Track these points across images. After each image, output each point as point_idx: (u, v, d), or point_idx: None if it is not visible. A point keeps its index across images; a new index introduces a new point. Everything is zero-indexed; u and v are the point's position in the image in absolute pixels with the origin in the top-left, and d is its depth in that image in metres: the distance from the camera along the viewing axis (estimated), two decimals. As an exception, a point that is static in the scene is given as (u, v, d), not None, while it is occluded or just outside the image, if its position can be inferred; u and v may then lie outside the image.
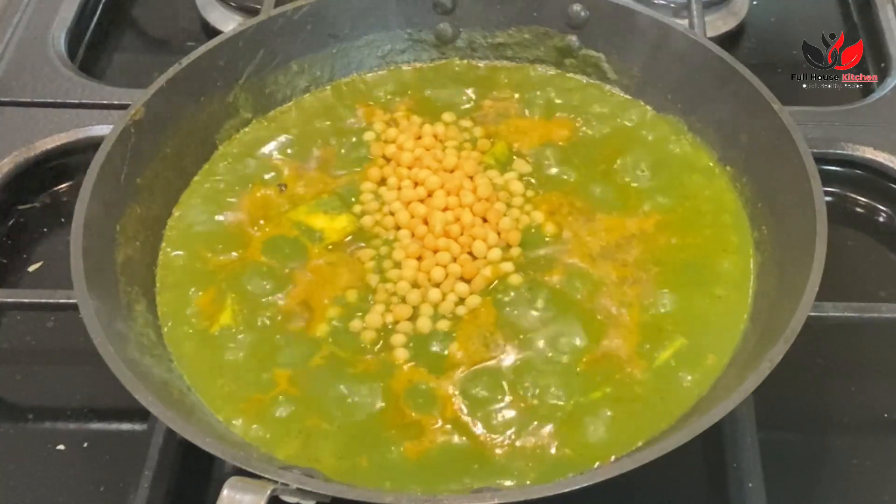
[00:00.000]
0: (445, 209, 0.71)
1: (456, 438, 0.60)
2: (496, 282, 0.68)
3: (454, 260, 0.69)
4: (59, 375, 0.72)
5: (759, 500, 0.62)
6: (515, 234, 0.70)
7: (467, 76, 0.83)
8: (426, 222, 0.71)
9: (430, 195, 0.73)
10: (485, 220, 0.71)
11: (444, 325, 0.66)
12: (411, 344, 0.65)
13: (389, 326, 0.66)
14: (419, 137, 0.77)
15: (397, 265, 0.69)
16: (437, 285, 0.67)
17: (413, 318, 0.66)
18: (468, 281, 0.68)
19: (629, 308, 0.66)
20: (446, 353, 0.64)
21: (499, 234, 0.70)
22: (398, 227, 0.71)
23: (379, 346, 0.65)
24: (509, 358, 0.64)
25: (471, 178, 0.74)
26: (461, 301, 0.67)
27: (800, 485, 0.66)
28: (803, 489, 0.66)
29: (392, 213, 0.72)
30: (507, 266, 0.69)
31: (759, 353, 0.58)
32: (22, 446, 0.69)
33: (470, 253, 0.69)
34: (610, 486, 0.51)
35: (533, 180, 0.75)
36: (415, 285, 0.68)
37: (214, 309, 0.67)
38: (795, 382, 0.69)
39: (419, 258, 0.69)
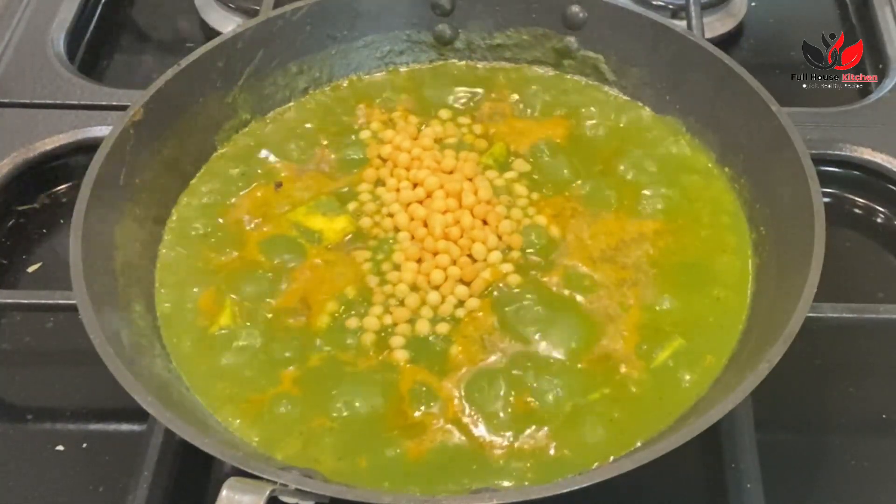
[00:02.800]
0: (445, 212, 0.71)
1: (455, 439, 0.60)
2: (496, 283, 0.68)
3: (454, 262, 0.69)
4: (59, 376, 0.72)
5: (758, 501, 0.62)
6: (517, 238, 0.70)
7: (466, 77, 0.83)
8: (426, 224, 0.71)
9: (428, 196, 0.73)
10: (485, 223, 0.71)
11: (443, 327, 0.66)
12: (411, 346, 0.65)
13: (388, 329, 0.66)
14: (416, 138, 0.77)
15: (396, 267, 0.69)
16: (437, 288, 0.67)
17: (412, 320, 0.66)
18: (468, 283, 0.68)
19: (628, 309, 0.66)
20: (447, 354, 0.64)
21: (500, 237, 0.70)
22: (397, 230, 0.71)
23: (378, 347, 0.65)
24: (509, 359, 0.64)
25: (470, 179, 0.74)
26: (461, 304, 0.67)
27: (798, 485, 0.66)
28: (801, 489, 0.66)
29: (391, 216, 0.72)
30: (507, 268, 0.69)
31: (757, 354, 0.58)
32: (21, 447, 0.69)
33: (469, 255, 0.69)
34: (608, 486, 0.51)
35: (531, 181, 0.75)
36: (414, 288, 0.68)
37: (214, 309, 0.67)
38: (794, 383, 0.69)
39: (419, 261, 0.69)
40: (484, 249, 0.69)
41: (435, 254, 0.69)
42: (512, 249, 0.70)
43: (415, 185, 0.74)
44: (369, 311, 0.66)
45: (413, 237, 0.70)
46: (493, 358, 0.64)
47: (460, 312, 0.66)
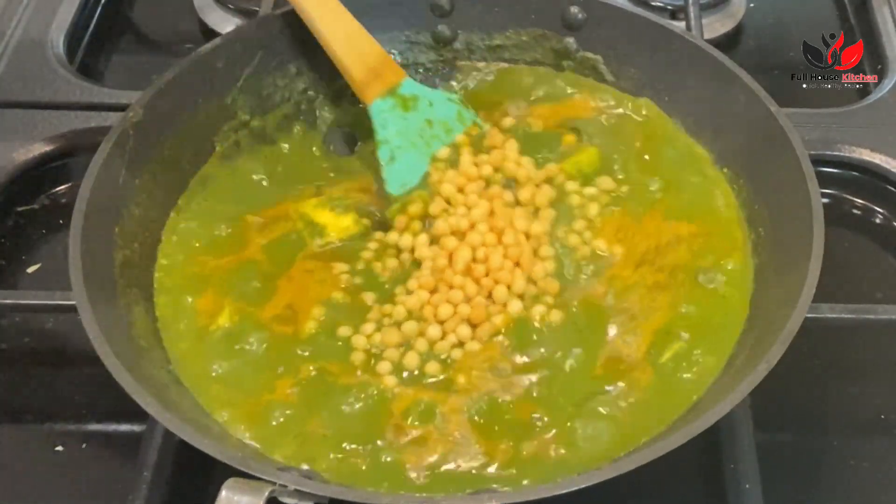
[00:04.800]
0: (478, 247, 0.67)
1: (455, 445, 0.60)
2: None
3: (467, 301, 0.65)
4: (59, 376, 0.72)
5: (757, 501, 0.62)
6: (553, 283, 0.67)
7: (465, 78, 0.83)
8: (450, 256, 0.68)
9: (472, 227, 0.69)
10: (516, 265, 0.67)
11: (433, 367, 0.63)
12: (398, 371, 0.63)
13: (374, 351, 0.64)
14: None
15: (408, 292, 0.66)
16: (441, 322, 0.65)
17: (403, 347, 0.64)
18: (474, 326, 0.65)
19: (628, 311, 0.66)
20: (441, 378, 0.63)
21: (535, 282, 0.67)
22: (418, 262, 0.68)
23: (365, 367, 0.64)
24: (509, 360, 0.64)
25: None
26: (460, 345, 0.64)
27: (797, 486, 0.66)
28: (800, 490, 0.66)
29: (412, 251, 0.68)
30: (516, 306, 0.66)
31: (756, 355, 0.58)
32: (21, 447, 0.69)
33: (490, 297, 0.66)
34: (608, 487, 0.51)
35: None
36: (417, 317, 0.65)
37: (213, 310, 0.67)
38: (792, 384, 0.69)
39: (432, 291, 0.66)
40: (506, 293, 0.66)
41: (450, 287, 0.66)
42: (546, 294, 0.66)
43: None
44: (360, 329, 0.65)
45: (434, 266, 0.67)
46: (494, 358, 0.64)
47: (457, 353, 0.64)
